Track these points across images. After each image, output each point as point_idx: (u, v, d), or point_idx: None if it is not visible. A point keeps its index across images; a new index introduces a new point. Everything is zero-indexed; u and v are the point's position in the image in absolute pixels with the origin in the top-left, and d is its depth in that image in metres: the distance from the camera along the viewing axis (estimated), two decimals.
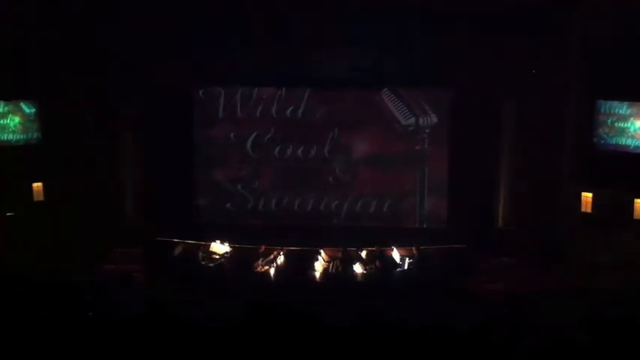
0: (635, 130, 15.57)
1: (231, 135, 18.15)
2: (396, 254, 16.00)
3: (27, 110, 16.85)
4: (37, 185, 16.84)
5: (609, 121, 15.82)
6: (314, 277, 15.59)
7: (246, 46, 16.68)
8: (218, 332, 7.27)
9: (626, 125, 15.63)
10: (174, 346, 7.05)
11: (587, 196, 16.11)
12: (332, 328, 7.52)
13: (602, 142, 15.93)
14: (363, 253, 15.97)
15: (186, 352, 7.02)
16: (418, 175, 17.88)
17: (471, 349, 7.23)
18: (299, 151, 18.03)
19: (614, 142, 15.77)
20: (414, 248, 16.12)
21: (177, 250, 16.87)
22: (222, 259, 16.18)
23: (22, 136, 16.80)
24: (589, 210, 16.11)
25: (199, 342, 7.16)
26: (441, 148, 17.63)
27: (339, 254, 16.02)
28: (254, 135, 18.04)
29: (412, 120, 17.58)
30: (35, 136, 16.95)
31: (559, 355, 6.56)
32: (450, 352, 7.18)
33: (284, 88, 17.72)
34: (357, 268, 15.57)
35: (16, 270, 12.32)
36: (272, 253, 16.12)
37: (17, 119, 16.73)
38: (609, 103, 15.80)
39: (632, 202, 15.47)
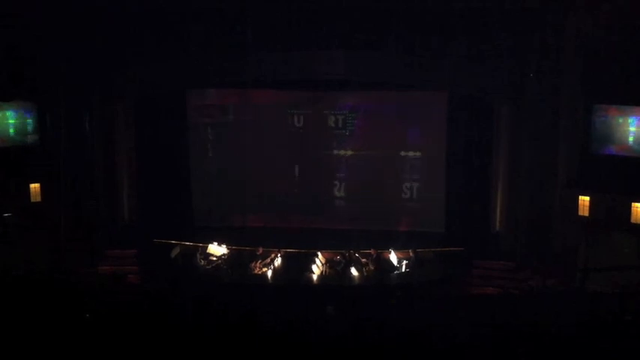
0: (631, 134, 15.59)
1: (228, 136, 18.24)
2: (393, 257, 15.99)
3: (24, 112, 16.84)
4: (34, 186, 16.82)
5: (605, 124, 15.84)
6: (311, 279, 15.57)
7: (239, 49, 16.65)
8: (215, 333, 7.29)
9: (622, 129, 15.65)
10: (171, 347, 7.06)
11: (584, 200, 16.13)
12: (330, 330, 7.53)
13: (599, 145, 15.95)
14: (361, 256, 15.96)
15: (182, 353, 7.03)
16: (416, 178, 17.95)
17: (469, 351, 7.25)
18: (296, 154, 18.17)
19: (609, 145, 15.81)
20: (410, 251, 16.14)
21: (175, 252, 16.84)
22: (220, 261, 16.16)
23: (19, 138, 16.79)
24: (586, 214, 16.13)
25: (196, 343, 7.17)
26: (438, 152, 17.67)
27: (337, 257, 16.01)
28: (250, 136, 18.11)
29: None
30: (33, 137, 16.93)
31: (557, 355, 6.59)
32: (448, 354, 7.20)
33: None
34: (354, 271, 15.56)
35: (13, 271, 12.32)
36: (270, 255, 16.11)
37: (15, 120, 16.72)
38: (605, 106, 15.82)
39: (629, 206, 15.50)
